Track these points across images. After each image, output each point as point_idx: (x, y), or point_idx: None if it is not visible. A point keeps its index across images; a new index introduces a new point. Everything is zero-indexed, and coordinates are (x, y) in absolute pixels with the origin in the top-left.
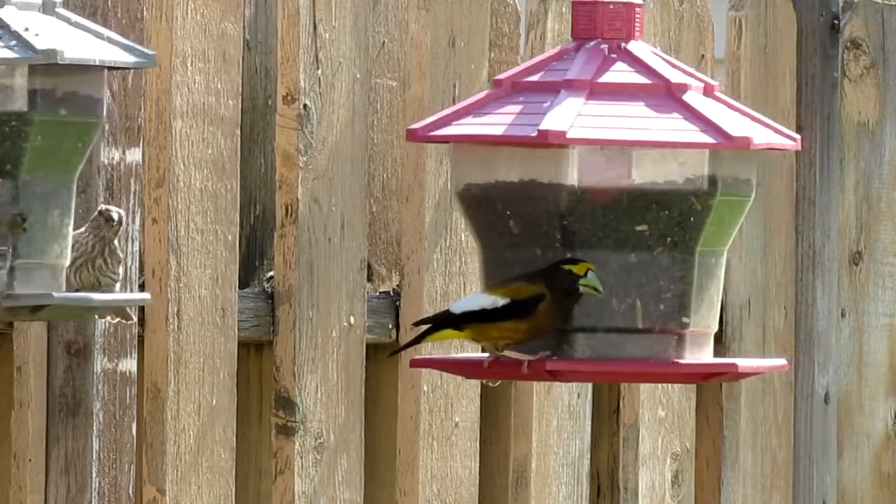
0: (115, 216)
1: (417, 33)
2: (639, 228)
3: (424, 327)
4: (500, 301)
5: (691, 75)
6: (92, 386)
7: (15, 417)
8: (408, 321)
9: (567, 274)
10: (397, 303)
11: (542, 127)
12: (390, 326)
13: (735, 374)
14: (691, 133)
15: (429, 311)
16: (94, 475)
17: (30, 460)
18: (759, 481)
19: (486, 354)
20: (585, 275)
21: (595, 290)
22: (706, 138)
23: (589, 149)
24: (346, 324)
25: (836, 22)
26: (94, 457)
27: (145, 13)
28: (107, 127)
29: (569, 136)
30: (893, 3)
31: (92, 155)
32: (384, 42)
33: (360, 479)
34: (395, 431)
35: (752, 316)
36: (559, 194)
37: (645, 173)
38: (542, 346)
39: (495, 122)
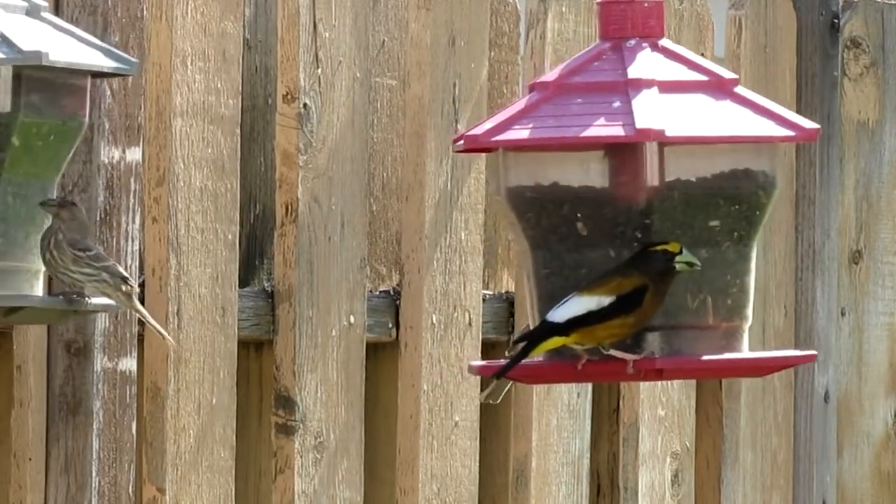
0: (48, 202)
1: (417, 32)
2: (711, 224)
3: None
4: (606, 300)
5: None
6: (92, 385)
7: (15, 416)
8: (408, 320)
9: (662, 254)
10: (397, 302)
11: (641, 126)
12: (390, 325)
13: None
14: (769, 126)
15: (429, 310)
16: (94, 474)
17: (30, 459)
18: (758, 480)
19: (578, 357)
20: (680, 252)
21: (693, 265)
22: (785, 131)
23: (665, 145)
24: (346, 323)
25: (836, 21)
26: (94, 456)
27: (145, 12)
28: (107, 126)
29: (668, 133)
30: (893, 2)
31: (92, 154)
32: (384, 41)
33: (360, 478)
34: (395, 430)
35: (752, 315)
36: (638, 193)
37: (724, 168)
38: (622, 346)
39: (564, 125)
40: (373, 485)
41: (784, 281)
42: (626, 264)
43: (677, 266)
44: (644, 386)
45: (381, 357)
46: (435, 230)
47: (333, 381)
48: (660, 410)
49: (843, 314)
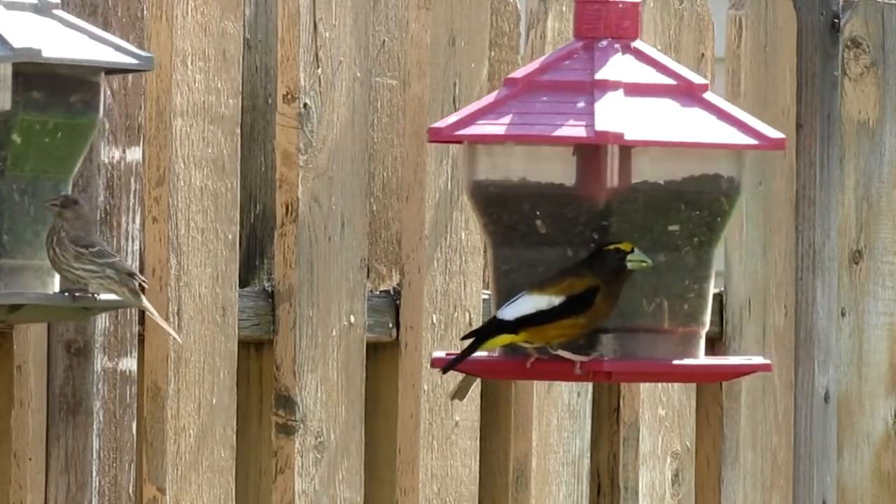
0: (52, 202)
1: (418, 32)
2: (671, 228)
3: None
4: (556, 300)
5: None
6: (92, 385)
7: (15, 416)
8: (408, 320)
9: (615, 253)
10: (397, 302)
11: (600, 128)
12: (390, 325)
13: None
14: (732, 134)
15: (429, 310)
16: (94, 474)
17: (30, 459)
18: (759, 480)
19: (526, 354)
20: (632, 251)
21: (644, 263)
22: (749, 139)
23: (629, 149)
24: (346, 323)
25: (836, 21)
26: (95, 456)
27: (145, 12)
28: (107, 126)
29: (627, 137)
30: (893, 2)
31: (92, 154)
32: (384, 41)
33: (361, 478)
34: (396, 430)
35: (752, 315)
36: (598, 194)
37: (684, 174)
38: (574, 346)
39: (529, 123)
40: (373, 485)
41: (784, 281)
42: (580, 264)
43: (629, 265)
44: (644, 386)
45: (381, 357)
46: (435, 230)
47: (334, 380)
48: (660, 410)
49: (843, 314)
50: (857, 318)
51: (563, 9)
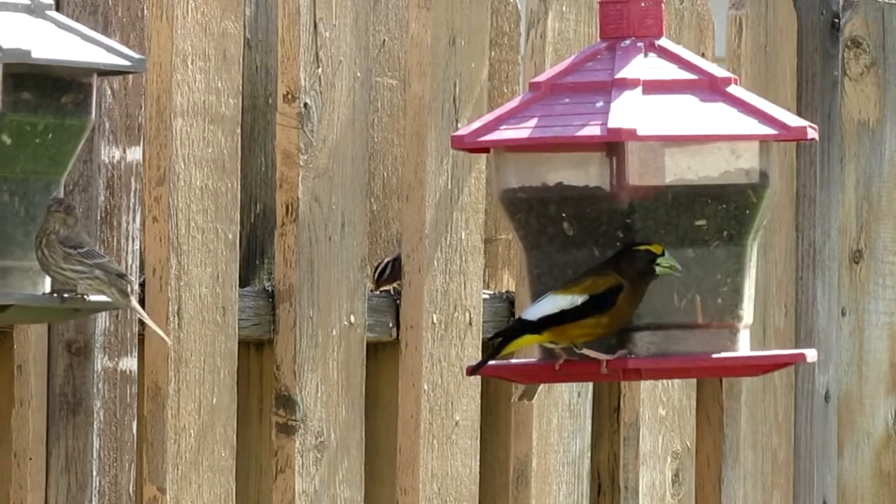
0: (52, 203)
1: (418, 32)
2: (698, 223)
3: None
4: (579, 299)
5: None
6: (92, 384)
7: (15, 416)
8: (408, 320)
9: (644, 254)
10: (398, 301)
11: (612, 125)
12: (391, 325)
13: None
14: (753, 125)
15: (429, 310)
16: (94, 474)
17: (30, 459)
18: (759, 480)
19: (556, 357)
20: (662, 254)
21: (674, 269)
22: (768, 130)
23: (650, 145)
24: (346, 322)
25: (836, 21)
26: (95, 455)
27: (146, 12)
28: (107, 125)
29: (639, 133)
30: (894, 1)
31: (92, 154)
32: (384, 41)
33: (361, 478)
34: (396, 430)
35: (748, 314)
36: (621, 193)
37: (707, 168)
38: (605, 345)
39: (548, 125)
40: (373, 484)
41: (784, 280)
42: (606, 263)
43: (657, 269)
44: (645, 385)
45: (381, 357)
46: (435, 230)
47: (334, 380)
48: (660, 410)
49: (843, 314)
50: (857, 318)
51: (564, 9)
